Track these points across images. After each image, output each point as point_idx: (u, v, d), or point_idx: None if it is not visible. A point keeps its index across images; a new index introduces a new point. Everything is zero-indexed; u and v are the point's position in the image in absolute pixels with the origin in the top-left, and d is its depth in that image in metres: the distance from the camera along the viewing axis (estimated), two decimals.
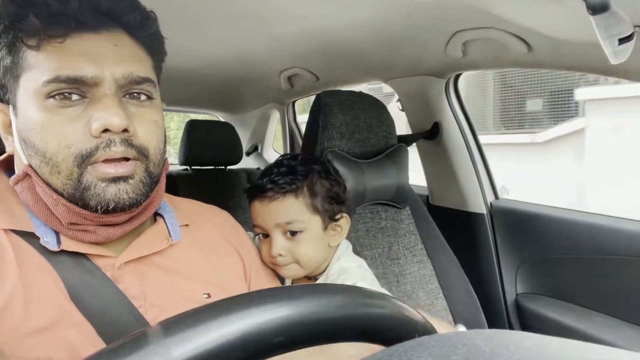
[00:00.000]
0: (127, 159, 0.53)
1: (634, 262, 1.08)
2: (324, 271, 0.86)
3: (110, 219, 0.54)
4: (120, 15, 0.55)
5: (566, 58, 0.97)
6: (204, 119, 2.63)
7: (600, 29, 0.53)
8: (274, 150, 2.61)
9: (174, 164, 2.06)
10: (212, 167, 2.00)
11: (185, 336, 0.27)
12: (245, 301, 0.30)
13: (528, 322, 1.33)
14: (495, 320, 1.37)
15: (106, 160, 0.51)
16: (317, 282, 0.86)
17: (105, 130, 0.51)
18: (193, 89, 1.87)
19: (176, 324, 0.28)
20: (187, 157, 1.88)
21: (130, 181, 0.53)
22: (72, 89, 0.50)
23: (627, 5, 0.52)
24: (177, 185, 1.84)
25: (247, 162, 2.45)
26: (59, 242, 0.54)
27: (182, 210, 0.70)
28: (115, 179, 0.52)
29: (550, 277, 1.30)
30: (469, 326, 1.14)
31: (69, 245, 0.54)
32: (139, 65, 0.56)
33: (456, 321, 1.13)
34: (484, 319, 1.17)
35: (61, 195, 0.52)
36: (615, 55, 0.59)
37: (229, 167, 2.04)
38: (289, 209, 0.79)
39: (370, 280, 0.84)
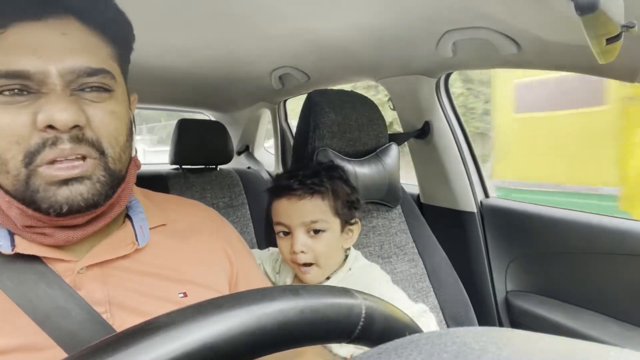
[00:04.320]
0: (82, 158, 0.49)
1: (621, 259, 1.10)
2: (335, 272, 0.90)
3: (66, 221, 0.51)
4: (70, 1, 0.50)
5: (555, 58, 0.98)
6: (195, 118, 2.61)
7: (588, 29, 0.54)
8: (265, 149, 2.61)
9: (165, 163, 2.04)
10: (203, 166, 1.99)
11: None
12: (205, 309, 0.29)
13: (518, 320, 1.34)
14: (485, 317, 1.38)
15: (55, 161, 0.48)
16: (335, 278, 0.89)
17: (51, 127, 0.47)
18: (184, 87, 1.86)
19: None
20: (178, 156, 1.87)
21: (87, 182, 0.49)
22: (19, 85, 0.47)
23: (614, 5, 0.52)
24: (168, 185, 1.83)
25: (238, 162, 2.44)
26: (13, 245, 0.50)
27: (163, 208, 0.66)
28: (67, 181, 0.48)
29: (540, 274, 1.32)
30: (459, 324, 1.15)
31: (24, 248, 0.50)
32: (91, 55, 0.50)
33: (447, 319, 1.14)
34: (474, 316, 1.18)
35: (14, 197, 0.49)
36: (603, 55, 0.60)
37: (219, 167, 2.03)
38: (316, 209, 0.84)
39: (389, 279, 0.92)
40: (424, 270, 1.18)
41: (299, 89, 1.79)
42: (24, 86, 0.47)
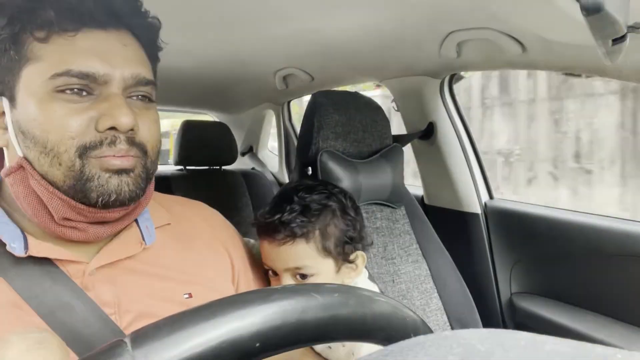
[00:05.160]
0: (129, 157, 0.53)
1: (626, 261, 1.09)
2: None
3: (105, 214, 0.53)
4: (130, 18, 0.55)
5: (560, 58, 0.97)
6: (199, 119, 2.62)
7: (593, 30, 0.54)
8: (269, 150, 2.61)
9: (169, 164, 2.05)
10: (207, 167, 1.99)
11: (153, 348, 0.26)
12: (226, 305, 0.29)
13: (522, 322, 1.33)
14: (489, 319, 1.38)
15: (112, 157, 0.51)
16: None
17: (111, 128, 0.51)
18: (188, 88, 1.86)
19: (144, 336, 0.27)
20: (182, 157, 1.88)
21: (132, 174, 0.53)
22: (81, 85, 0.50)
23: (621, 6, 0.52)
24: (171, 186, 1.83)
25: (242, 162, 2.45)
26: (26, 248, 0.51)
27: (167, 208, 0.68)
28: (119, 171, 0.52)
29: (544, 276, 1.31)
30: (464, 325, 1.15)
31: (37, 250, 0.52)
32: (144, 67, 0.56)
33: (451, 321, 1.14)
34: (478, 318, 1.17)
35: (58, 188, 0.51)
36: (609, 56, 0.60)
37: (224, 167, 2.04)
38: (299, 254, 0.74)
39: None
40: (428, 271, 1.18)
41: (303, 89, 1.79)
42: (85, 86, 0.51)
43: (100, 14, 0.52)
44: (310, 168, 1.12)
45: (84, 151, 0.50)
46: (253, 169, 2.35)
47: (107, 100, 0.51)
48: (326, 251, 0.75)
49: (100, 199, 0.51)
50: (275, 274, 0.77)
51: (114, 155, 0.51)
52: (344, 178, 1.08)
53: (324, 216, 0.76)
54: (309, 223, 0.74)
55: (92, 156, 0.51)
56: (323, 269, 0.75)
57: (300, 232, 0.73)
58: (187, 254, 0.64)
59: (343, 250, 0.77)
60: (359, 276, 0.81)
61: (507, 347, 0.20)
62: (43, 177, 0.51)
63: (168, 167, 2.03)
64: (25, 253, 0.51)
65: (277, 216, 0.74)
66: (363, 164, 1.13)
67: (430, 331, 0.36)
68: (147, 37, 0.59)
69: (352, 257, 0.78)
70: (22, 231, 0.53)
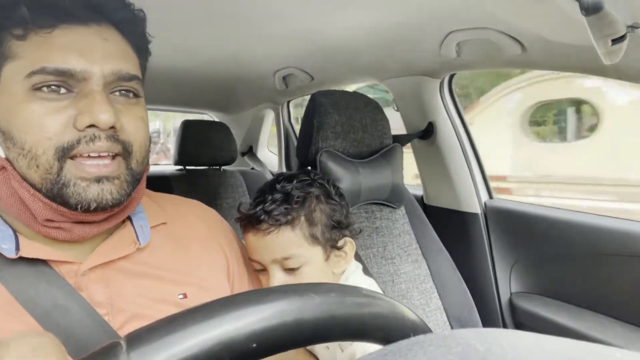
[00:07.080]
0: (112, 157, 0.51)
1: (626, 260, 1.09)
2: None
3: (88, 217, 0.52)
4: (111, 11, 0.53)
5: (559, 58, 0.97)
6: (199, 119, 2.62)
7: (593, 30, 0.54)
8: (268, 150, 2.61)
9: (168, 164, 2.05)
10: (207, 167, 1.99)
11: (149, 350, 0.26)
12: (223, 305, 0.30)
13: (522, 321, 1.33)
14: (489, 319, 1.38)
15: (89, 157, 0.50)
16: None
17: (91, 126, 0.49)
18: (187, 88, 1.86)
19: (140, 338, 0.27)
20: (182, 157, 1.88)
21: (116, 181, 0.52)
22: (59, 82, 0.49)
23: (619, 6, 0.52)
24: (171, 186, 1.83)
25: (242, 163, 2.44)
26: (17, 249, 0.50)
27: (163, 207, 0.67)
28: (99, 179, 0.50)
29: (544, 276, 1.31)
30: (463, 325, 1.15)
31: (29, 251, 0.50)
32: (128, 62, 0.54)
33: (451, 320, 1.14)
34: (478, 318, 1.17)
35: (39, 190, 0.50)
36: (609, 55, 0.60)
37: (223, 167, 2.04)
38: (286, 243, 0.71)
39: None
40: (428, 271, 1.18)
41: (303, 89, 1.79)
42: (63, 84, 0.49)
43: (77, 9, 0.50)
44: (310, 168, 1.12)
45: (62, 154, 0.48)
46: (253, 168, 2.35)
47: (86, 97, 0.49)
48: (313, 238, 0.73)
49: (79, 205, 0.49)
50: (263, 269, 0.74)
51: (89, 156, 0.49)
52: (344, 178, 1.08)
53: (308, 203, 0.74)
54: (293, 210, 0.72)
55: (70, 157, 0.49)
56: (312, 258, 0.73)
57: (285, 219, 0.71)
58: (183, 254, 0.63)
59: (331, 236, 0.75)
60: (349, 264, 0.79)
61: (506, 346, 0.20)
62: (23, 178, 0.50)
63: (168, 167, 2.03)
64: (17, 254, 0.50)
65: (260, 207, 0.72)
66: (363, 164, 1.13)
67: (430, 331, 0.36)
68: (132, 31, 0.57)
69: (340, 243, 0.77)
70: (14, 232, 0.52)
